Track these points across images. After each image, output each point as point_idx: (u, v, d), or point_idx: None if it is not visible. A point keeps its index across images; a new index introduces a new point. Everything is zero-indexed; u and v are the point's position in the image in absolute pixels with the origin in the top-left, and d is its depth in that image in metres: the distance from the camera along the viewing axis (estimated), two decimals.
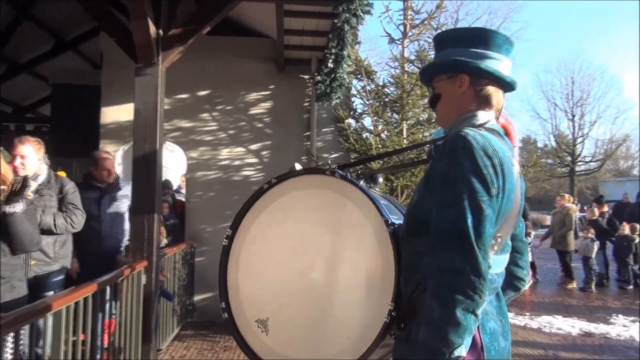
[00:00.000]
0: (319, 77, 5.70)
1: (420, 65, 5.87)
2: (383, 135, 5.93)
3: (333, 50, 4.34)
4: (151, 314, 4.04)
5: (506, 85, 1.47)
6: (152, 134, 4.09)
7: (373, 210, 1.45)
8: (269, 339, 1.53)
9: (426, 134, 5.97)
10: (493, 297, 1.44)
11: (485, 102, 1.44)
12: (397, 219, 1.52)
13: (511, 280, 1.62)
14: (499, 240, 1.36)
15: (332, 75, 4.57)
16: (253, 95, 6.48)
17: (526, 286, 1.72)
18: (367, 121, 6.28)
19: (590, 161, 36.15)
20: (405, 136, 5.98)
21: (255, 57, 6.42)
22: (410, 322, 1.33)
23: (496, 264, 1.39)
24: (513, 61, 1.54)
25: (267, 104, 6.48)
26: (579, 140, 34.50)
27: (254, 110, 6.46)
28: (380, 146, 5.73)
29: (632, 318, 6.88)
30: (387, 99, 6.12)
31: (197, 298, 6.22)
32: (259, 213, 1.67)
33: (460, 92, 1.43)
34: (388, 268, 1.38)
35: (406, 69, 6.03)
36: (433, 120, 5.88)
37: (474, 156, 1.25)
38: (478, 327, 1.30)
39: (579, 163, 34.65)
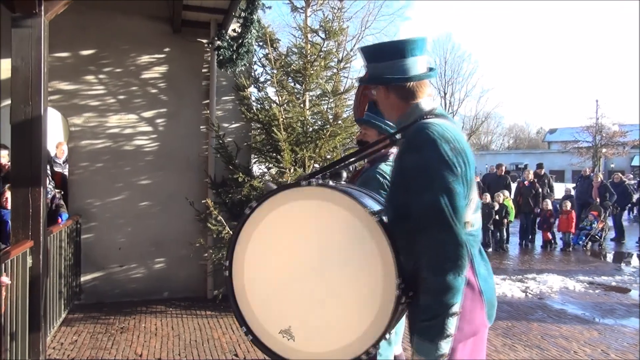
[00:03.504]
0: (219, 42, 5.41)
1: (324, 36, 5.82)
2: (286, 106, 5.81)
3: (242, 14, 4.08)
4: (39, 299, 3.61)
5: (415, 79, 1.67)
6: (35, 96, 3.57)
7: (355, 205, 1.57)
8: (297, 343, 1.65)
9: (331, 105, 5.99)
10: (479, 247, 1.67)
11: (413, 96, 1.67)
12: (376, 205, 1.68)
13: None
14: (473, 202, 1.58)
15: (240, 41, 4.33)
16: (145, 58, 5.94)
17: None
18: (270, 91, 6.13)
19: None
20: (308, 107, 5.94)
21: (148, 16, 5.87)
22: (416, 290, 1.53)
23: (476, 221, 1.62)
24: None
25: (161, 68, 6.00)
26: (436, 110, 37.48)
27: (146, 75, 5.94)
28: (284, 117, 5.63)
29: (502, 277, 7.73)
30: (289, 69, 5.99)
31: (84, 279, 5.70)
32: (250, 237, 1.73)
33: (386, 98, 1.70)
34: (384, 252, 1.52)
35: (309, 38, 5.94)
36: (338, 92, 5.92)
37: (436, 146, 1.47)
38: (476, 274, 1.56)
39: None
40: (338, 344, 1.59)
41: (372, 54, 1.71)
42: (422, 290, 1.45)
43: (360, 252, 1.56)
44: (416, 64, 1.66)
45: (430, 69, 1.72)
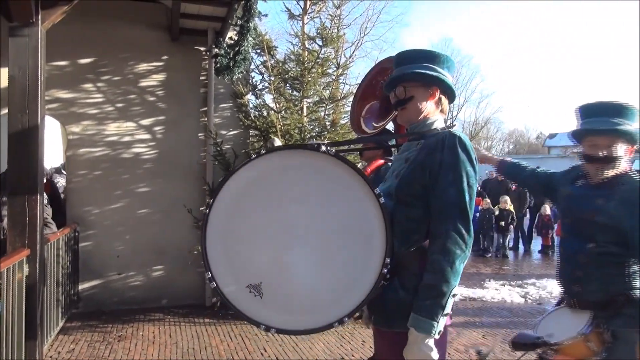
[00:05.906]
0: (216, 50, 5.44)
1: (321, 43, 5.85)
2: (284, 113, 5.83)
3: (239, 22, 4.10)
4: (35, 308, 3.60)
5: (453, 97, 1.91)
6: (32, 105, 3.59)
7: (362, 183, 1.61)
8: (264, 302, 1.63)
9: (328, 112, 6.00)
10: None
11: (443, 110, 1.87)
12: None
13: None
14: None
15: (237, 49, 4.35)
16: (144, 66, 5.97)
17: None
18: (267, 98, 6.15)
19: None
20: (305, 114, 5.96)
21: (147, 24, 5.90)
22: (400, 273, 1.67)
23: None
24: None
25: (160, 76, 6.02)
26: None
27: (145, 82, 5.96)
28: (281, 124, 5.65)
29: (501, 282, 7.72)
30: (286, 76, 6.02)
31: (82, 287, 5.69)
32: (243, 182, 1.68)
33: (430, 100, 1.83)
34: (381, 232, 1.58)
35: (307, 46, 5.97)
36: (336, 99, 5.94)
37: (468, 150, 1.68)
38: None
39: None
40: (311, 309, 1.62)
41: (430, 57, 1.83)
42: (429, 271, 1.61)
43: (357, 228, 1.62)
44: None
45: None
